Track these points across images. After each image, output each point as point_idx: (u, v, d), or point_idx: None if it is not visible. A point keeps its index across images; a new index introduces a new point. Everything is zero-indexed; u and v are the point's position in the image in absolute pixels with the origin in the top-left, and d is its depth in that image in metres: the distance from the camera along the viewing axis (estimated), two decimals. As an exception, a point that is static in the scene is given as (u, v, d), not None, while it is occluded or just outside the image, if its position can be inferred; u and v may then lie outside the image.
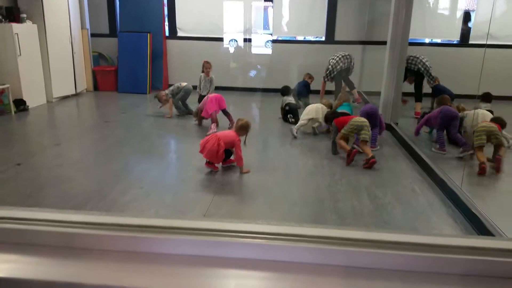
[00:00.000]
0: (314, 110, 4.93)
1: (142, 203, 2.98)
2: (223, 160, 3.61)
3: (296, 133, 4.77)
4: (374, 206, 2.99)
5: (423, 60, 5.62)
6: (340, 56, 6.35)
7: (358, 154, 3.97)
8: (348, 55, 6.41)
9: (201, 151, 3.53)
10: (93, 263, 0.63)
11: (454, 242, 0.76)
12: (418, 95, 5.78)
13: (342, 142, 4.01)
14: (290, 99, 5.81)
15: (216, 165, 3.63)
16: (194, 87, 6.87)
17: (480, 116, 4.17)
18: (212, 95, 5.13)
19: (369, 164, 3.77)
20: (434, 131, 4.56)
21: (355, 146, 4.13)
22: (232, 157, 3.72)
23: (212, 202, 3.01)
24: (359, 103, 6.05)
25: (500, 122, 3.85)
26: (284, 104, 5.75)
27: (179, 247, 0.65)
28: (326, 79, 6.42)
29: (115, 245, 0.65)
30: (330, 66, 6.33)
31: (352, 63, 6.46)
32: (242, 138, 3.67)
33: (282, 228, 0.68)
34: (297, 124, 4.87)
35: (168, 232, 0.65)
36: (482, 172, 3.51)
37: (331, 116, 4.41)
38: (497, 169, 3.64)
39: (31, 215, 0.75)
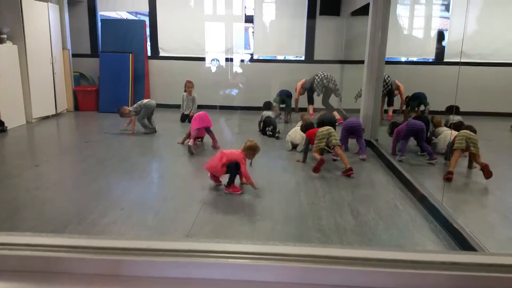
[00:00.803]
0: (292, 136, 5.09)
1: (123, 225, 2.91)
2: (228, 184, 3.56)
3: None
4: (357, 223, 3.01)
5: (387, 81, 6.07)
6: (325, 75, 6.60)
7: (339, 162, 4.33)
8: (333, 78, 6.66)
9: (206, 167, 3.67)
10: (73, 287, 0.62)
11: (440, 258, 0.77)
12: (390, 100, 6.38)
13: (316, 154, 4.26)
14: (269, 113, 5.96)
15: (220, 179, 3.66)
16: (177, 106, 6.90)
17: (443, 138, 4.56)
18: (198, 113, 5.13)
19: (347, 174, 4.05)
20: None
21: (335, 157, 4.51)
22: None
23: (195, 222, 2.97)
24: (340, 123, 6.22)
25: (472, 130, 4.09)
26: (263, 118, 5.89)
27: (162, 270, 0.64)
28: (307, 89, 6.69)
29: (96, 269, 0.63)
30: (317, 79, 6.57)
31: (336, 86, 6.65)
32: (249, 160, 3.68)
33: (267, 247, 0.68)
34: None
35: (150, 255, 0.64)
36: (447, 178, 3.78)
37: (304, 128, 4.71)
38: (488, 174, 3.71)
39: (7, 240, 0.73)
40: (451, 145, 4.17)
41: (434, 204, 3.12)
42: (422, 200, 3.35)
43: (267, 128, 5.74)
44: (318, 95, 6.69)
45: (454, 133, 4.46)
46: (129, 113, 5.73)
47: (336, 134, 4.36)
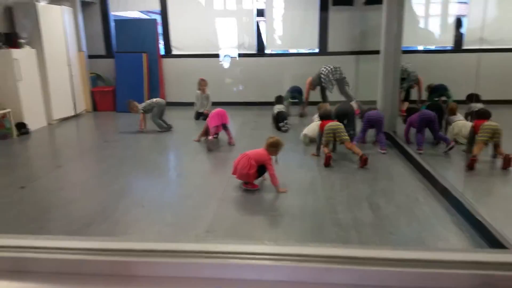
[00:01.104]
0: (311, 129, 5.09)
1: (145, 222, 2.98)
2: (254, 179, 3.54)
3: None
4: (377, 217, 2.99)
5: (408, 70, 6.08)
6: (330, 68, 6.52)
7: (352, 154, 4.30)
8: (338, 67, 6.57)
9: (234, 173, 3.53)
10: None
11: (464, 257, 0.75)
12: (406, 96, 6.45)
13: (324, 148, 4.30)
14: (281, 107, 6.05)
15: (254, 183, 3.53)
16: (191, 104, 6.94)
17: (464, 128, 4.59)
18: (215, 110, 5.16)
19: (363, 162, 4.02)
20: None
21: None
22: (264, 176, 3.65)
23: (214, 218, 3.01)
24: (357, 115, 6.21)
25: (487, 116, 4.18)
26: (275, 112, 5.96)
27: (182, 270, 0.66)
28: (316, 85, 6.68)
29: (117, 270, 0.66)
30: (323, 76, 6.52)
31: (343, 75, 6.58)
32: (274, 157, 3.56)
33: (281, 248, 0.69)
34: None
35: (171, 256, 0.66)
36: (470, 165, 3.80)
37: (323, 115, 4.70)
38: (507, 164, 3.81)
39: (34, 243, 0.76)
40: (471, 137, 4.17)
41: (456, 196, 3.07)
42: (443, 192, 3.30)
43: (280, 124, 5.76)
44: (330, 91, 6.62)
45: (467, 123, 4.52)
46: (137, 110, 5.85)
47: (344, 130, 4.32)
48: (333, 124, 4.36)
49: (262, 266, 0.71)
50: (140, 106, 5.90)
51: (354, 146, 4.28)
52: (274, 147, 3.51)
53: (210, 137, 4.93)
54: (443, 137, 4.55)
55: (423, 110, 4.70)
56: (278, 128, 5.79)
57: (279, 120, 5.82)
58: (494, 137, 3.89)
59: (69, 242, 0.77)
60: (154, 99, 5.98)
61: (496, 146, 3.92)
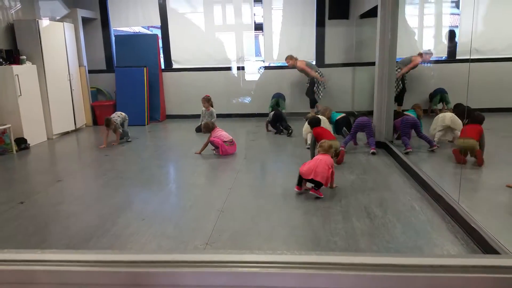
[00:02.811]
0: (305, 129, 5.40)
1: (145, 235, 3.01)
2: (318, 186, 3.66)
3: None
4: (374, 226, 3.03)
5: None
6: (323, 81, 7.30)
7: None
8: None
9: (308, 176, 3.60)
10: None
11: (459, 262, 0.76)
12: (400, 101, 6.92)
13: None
14: (280, 110, 6.62)
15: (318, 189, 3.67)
16: (192, 116, 7.02)
17: (441, 118, 4.96)
18: (232, 145, 5.31)
19: (340, 156, 4.55)
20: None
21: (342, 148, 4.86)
22: None
23: (214, 230, 3.04)
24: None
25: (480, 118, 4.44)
26: (271, 116, 6.45)
27: (182, 279, 0.69)
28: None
29: (123, 281, 0.69)
30: (318, 83, 7.27)
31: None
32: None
33: (274, 256, 0.72)
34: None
35: (173, 266, 0.69)
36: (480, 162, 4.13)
37: (311, 123, 4.95)
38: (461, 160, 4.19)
39: (40, 257, 0.80)
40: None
41: (451, 204, 3.11)
42: (439, 200, 3.34)
43: (278, 124, 6.25)
44: (318, 98, 7.28)
45: (446, 114, 4.95)
46: (116, 126, 6.01)
47: (338, 145, 4.64)
48: (331, 141, 4.33)
49: (253, 273, 0.74)
50: (116, 121, 6.07)
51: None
52: (329, 148, 3.88)
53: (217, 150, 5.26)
54: (428, 139, 4.89)
55: (405, 116, 5.11)
56: (277, 130, 6.21)
57: (277, 120, 6.24)
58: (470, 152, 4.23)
59: (73, 255, 0.81)
60: (120, 113, 6.22)
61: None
